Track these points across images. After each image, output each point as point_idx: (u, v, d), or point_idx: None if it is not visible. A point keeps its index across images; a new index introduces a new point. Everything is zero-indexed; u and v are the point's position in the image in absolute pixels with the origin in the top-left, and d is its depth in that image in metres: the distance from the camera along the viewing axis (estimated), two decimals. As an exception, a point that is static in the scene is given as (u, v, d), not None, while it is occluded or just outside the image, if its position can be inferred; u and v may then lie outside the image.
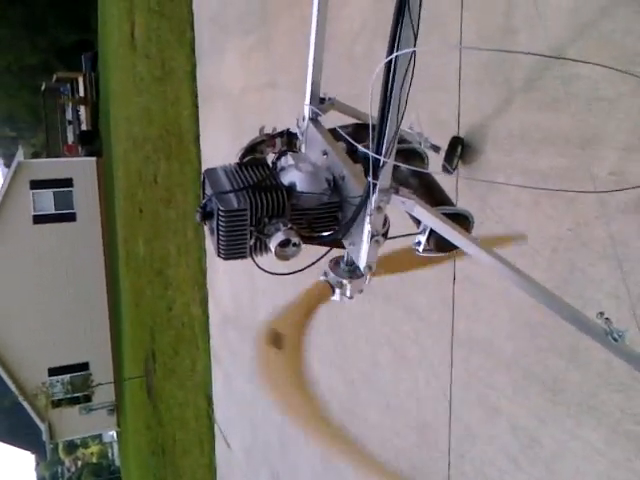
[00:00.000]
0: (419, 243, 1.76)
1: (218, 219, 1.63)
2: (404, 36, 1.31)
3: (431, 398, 3.56)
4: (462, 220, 1.82)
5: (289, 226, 1.64)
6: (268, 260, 1.73)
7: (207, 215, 1.70)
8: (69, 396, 21.14)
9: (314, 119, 1.91)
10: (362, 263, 1.65)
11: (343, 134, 1.75)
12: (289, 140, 2.07)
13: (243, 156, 1.98)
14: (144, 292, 14.58)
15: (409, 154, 2.00)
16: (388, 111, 1.42)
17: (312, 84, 1.90)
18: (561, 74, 2.38)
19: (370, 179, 1.51)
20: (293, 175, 1.72)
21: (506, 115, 2.75)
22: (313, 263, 1.70)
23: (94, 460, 65.99)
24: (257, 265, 1.67)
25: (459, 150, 2.99)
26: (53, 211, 21.29)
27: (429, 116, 3.11)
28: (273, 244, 1.62)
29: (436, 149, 2.82)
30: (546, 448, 2.72)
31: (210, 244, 1.73)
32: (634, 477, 2.27)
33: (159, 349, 13.57)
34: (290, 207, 1.68)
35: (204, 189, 1.75)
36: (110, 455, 60.79)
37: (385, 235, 1.63)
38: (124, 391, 21.42)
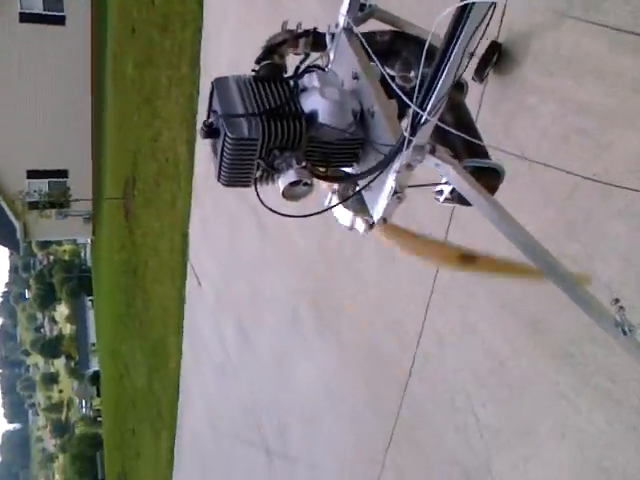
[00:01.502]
0: (441, 192, 1.59)
1: (224, 144, 1.42)
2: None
3: (409, 296, 3.56)
4: (493, 174, 1.65)
5: (302, 164, 1.45)
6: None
7: (212, 132, 1.49)
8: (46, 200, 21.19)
9: (349, 30, 1.63)
10: (377, 215, 1.48)
11: (380, 68, 1.48)
12: (314, 41, 1.79)
13: (260, 59, 1.71)
14: (130, 116, 14.08)
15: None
16: (446, 64, 1.19)
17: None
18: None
19: (407, 134, 1.30)
20: (316, 101, 1.49)
21: (558, 31, 2.43)
22: (325, 210, 1.52)
23: (66, 257, 68.41)
24: (261, 201, 1.49)
25: (494, 58, 2.69)
26: (42, 11, 19.75)
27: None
28: (283, 183, 1.44)
29: (470, 55, 2.53)
30: (514, 376, 2.78)
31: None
32: (591, 427, 2.33)
33: (140, 177, 13.43)
34: (307, 139, 1.47)
35: (211, 101, 1.51)
36: (82, 255, 62.82)
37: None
38: (101, 208, 21.57)
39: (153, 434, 12.38)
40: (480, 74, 2.71)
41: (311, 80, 1.54)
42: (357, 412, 4.25)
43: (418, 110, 1.26)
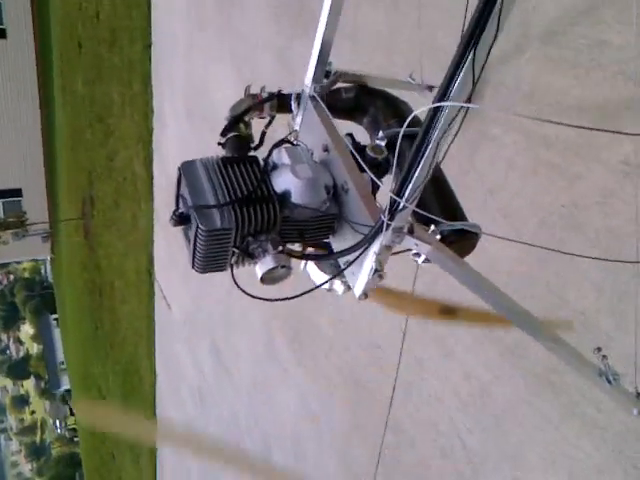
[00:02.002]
0: (418, 254, 1.57)
1: (196, 235, 1.38)
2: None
3: (387, 322, 3.56)
4: (471, 235, 1.63)
5: (279, 248, 1.41)
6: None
7: (183, 220, 1.44)
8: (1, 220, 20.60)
9: (316, 98, 1.59)
10: (358, 291, 1.46)
11: (348, 144, 1.46)
12: (280, 104, 1.75)
13: (226, 131, 1.66)
14: (82, 133, 13.76)
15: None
16: (422, 157, 1.17)
17: (319, 54, 1.55)
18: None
19: (385, 218, 1.28)
20: (288, 181, 1.45)
21: (516, 65, 2.44)
22: (309, 291, 1.48)
23: (26, 275, 66.69)
24: (237, 285, 1.45)
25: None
26: (-20, 24, 19.14)
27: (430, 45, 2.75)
28: (261, 270, 1.40)
29: (430, 88, 2.52)
30: (497, 402, 2.79)
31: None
32: (582, 454, 2.36)
33: (98, 197, 13.15)
34: (281, 220, 1.44)
35: (179, 187, 1.46)
36: (42, 272, 61.31)
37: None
38: (60, 227, 21.06)
39: (133, 459, 12.17)
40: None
41: (280, 157, 1.50)
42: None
43: (396, 198, 1.24)
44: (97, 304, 14.72)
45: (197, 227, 1.35)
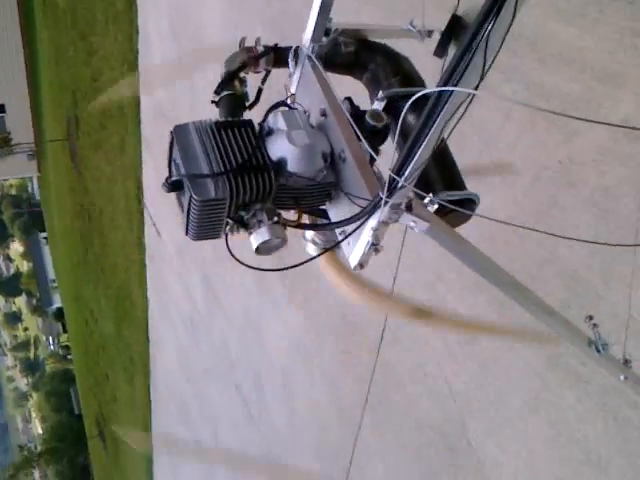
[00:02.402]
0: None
1: (190, 204, 1.34)
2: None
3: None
4: (469, 203, 1.61)
5: (274, 218, 1.38)
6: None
7: (176, 186, 1.40)
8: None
9: (314, 58, 1.52)
10: (354, 262, 1.45)
11: (346, 112, 1.40)
12: (276, 58, 1.67)
13: (220, 89, 1.59)
14: (65, 50, 13.25)
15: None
16: (424, 139, 1.13)
17: (320, 10, 1.46)
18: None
19: (383, 195, 1.25)
20: (284, 147, 1.40)
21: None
22: (306, 261, 1.47)
23: (13, 192, 66.08)
24: (232, 255, 1.43)
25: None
26: None
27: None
28: (256, 241, 1.38)
29: (429, 34, 2.42)
30: (484, 349, 2.86)
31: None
32: (562, 401, 2.45)
33: (83, 117, 12.83)
34: (276, 188, 1.40)
35: (172, 152, 1.41)
36: (29, 189, 60.63)
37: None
38: (45, 146, 20.67)
39: (127, 379, 12.54)
40: (440, 51, 2.61)
41: (276, 121, 1.44)
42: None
43: (395, 177, 1.21)
44: (86, 228, 14.70)
45: (190, 197, 1.32)
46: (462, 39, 1.04)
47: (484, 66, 0.99)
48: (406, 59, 1.75)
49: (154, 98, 7.89)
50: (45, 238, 45.57)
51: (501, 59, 1.07)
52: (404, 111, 1.23)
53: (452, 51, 2.81)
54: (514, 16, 0.93)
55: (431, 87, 1.62)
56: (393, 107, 1.61)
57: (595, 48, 2.06)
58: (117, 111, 9.60)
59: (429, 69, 1.81)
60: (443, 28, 2.64)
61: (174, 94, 7.03)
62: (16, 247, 70.44)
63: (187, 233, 1.46)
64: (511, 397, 2.70)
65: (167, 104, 7.47)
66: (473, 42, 0.98)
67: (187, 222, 1.41)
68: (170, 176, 1.41)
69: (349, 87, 1.69)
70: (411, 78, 1.73)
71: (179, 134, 1.41)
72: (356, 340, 3.90)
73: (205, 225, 1.39)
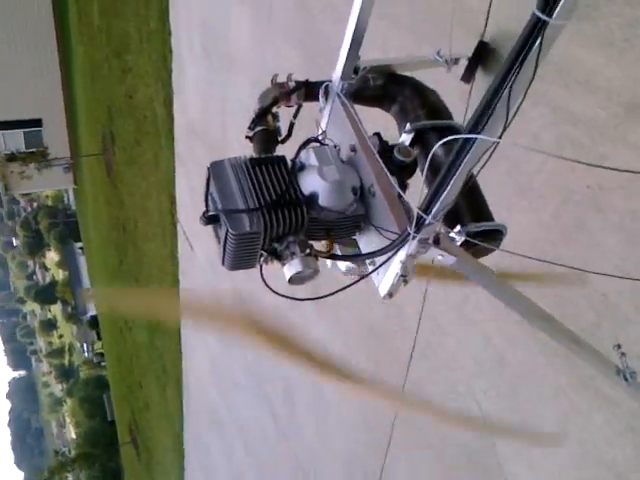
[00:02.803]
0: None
1: (226, 237, 1.42)
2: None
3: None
4: (497, 234, 1.65)
5: (307, 251, 1.45)
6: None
7: (212, 220, 1.48)
8: (23, 152, 20.73)
9: (342, 97, 1.59)
10: (383, 291, 1.50)
11: (374, 149, 1.46)
12: (307, 93, 1.74)
13: (254, 124, 1.67)
14: (100, 68, 13.62)
15: (445, 130, 1.73)
16: (450, 181, 1.18)
17: (349, 49, 1.53)
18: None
19: (411, 230, 1.31)
20: (315, 182, 1.46)
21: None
22: (338, 291, 1.53)
23: (50, 203, 67.55)
24: (266, 284, 1.50)
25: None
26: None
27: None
28: (289, 272, 1.45)
29: (456, 61, 2.46)
30: (515, 370, 2.88)
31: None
32: (591, 426, 2.45)
33: (118, 133, 13.14)
34: (308, 221, 1.47)
35: (208, 187, 1.49)
36: (65, 200, 61.93)
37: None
38: (81, 160, 21.18)
39: (159, 387, 12.73)
40: (467, 76, 2.65)
41: (308, 157, 1.51)
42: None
43: (422, 215, 1.26)
44: (122, 240, 15.01)
45: (227, 231, 1.39)
46: (488, 83, 1.09)
47: (507, 115, 1.04)
48: (433, 91, 1.81)
49: (187, 116, 8.07)
50: (80, 248, 46.48)
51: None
52: (432, 150, 1.29)
53: (479, 76, 2.87)
54: (536, 68, 0.98)
55: (456, 122, 1.68)
56: (421, 139, 1.67)
57: (622, 76, 2.08)
58: (151, 127, 9.83)
59: (455, 94, 1.87)
60: (470, 54, 2.70)
61: (207, 113, 7.19)
62: (52, 256, 72.00)
63: (223, 263, 1.53)
64: (540, 418, 2.71)
65: (199, 123, 7.64)
66: (497, 93, 1.03)
67: (223, 253, 1.49)
68: (207, 210, 1.50)
69: (379, 117, 1.75)
70: (438, 110, 1.78)
71: (215, 170, 1.48)
72: (386, 355, 3.94)
73: (240, 257, 1.47)
